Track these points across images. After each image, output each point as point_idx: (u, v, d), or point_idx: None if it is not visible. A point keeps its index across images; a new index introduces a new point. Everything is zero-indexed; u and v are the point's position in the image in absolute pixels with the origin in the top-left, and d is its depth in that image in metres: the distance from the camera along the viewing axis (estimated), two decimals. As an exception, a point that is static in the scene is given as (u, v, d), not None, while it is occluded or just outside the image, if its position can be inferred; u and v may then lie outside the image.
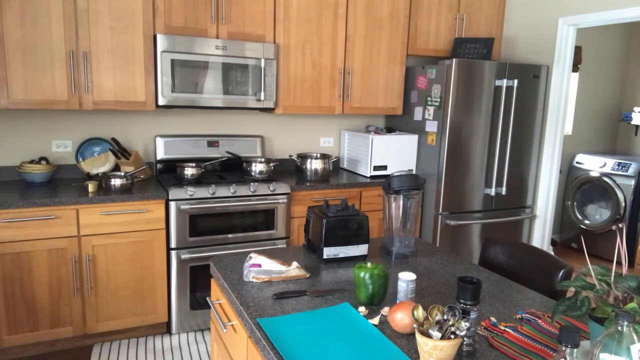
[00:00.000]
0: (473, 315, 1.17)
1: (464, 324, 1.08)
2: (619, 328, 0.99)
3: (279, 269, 1.64)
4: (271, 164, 3.27)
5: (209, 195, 2.91)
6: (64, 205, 2.62)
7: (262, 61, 3.14)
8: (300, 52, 3.34)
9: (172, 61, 2.93)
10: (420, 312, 1.12)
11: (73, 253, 2.69)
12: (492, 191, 3.67)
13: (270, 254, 1.87)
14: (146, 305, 2.92)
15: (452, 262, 1.88)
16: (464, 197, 3.60)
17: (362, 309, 1.41)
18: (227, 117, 3.57)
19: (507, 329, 1.33)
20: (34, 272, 2.63)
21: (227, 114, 3.57)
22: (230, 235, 3.01)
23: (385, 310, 1.40)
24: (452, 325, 1.08)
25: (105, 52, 2.84)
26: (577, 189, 4.93)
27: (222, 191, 2.95)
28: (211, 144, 3.44)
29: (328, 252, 1.79)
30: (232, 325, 1.57)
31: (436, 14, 3.74)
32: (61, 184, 2.98)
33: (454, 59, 3.34)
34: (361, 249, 1.84)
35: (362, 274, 1.44)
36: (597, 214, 4.78)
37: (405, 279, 1.42)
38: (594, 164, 4.82)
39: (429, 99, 3.57)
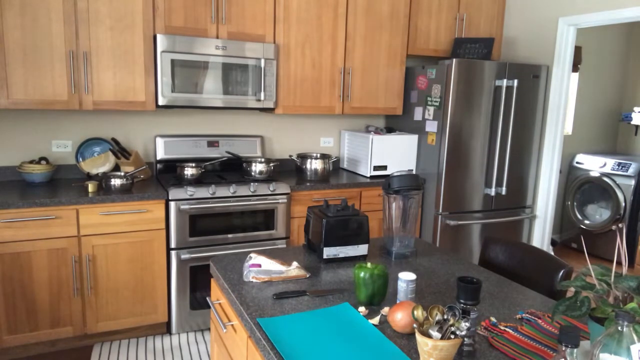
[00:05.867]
0: (473, 315, 1.17)
1: (464, 324, 1.08)
2: (619, 328, 0.99)
3: (279, 269, 1.64)
4: (271, 164, 3.27)
5: (209, 195, 2.91)
6: (64, 205, 2.62)
7: (262, 61, 3.14)
8: (300, 52, 3.34)
9: (172, 61, 2.93)
10: (420, 312, 1.12)
11: (73, 253, 2.69)
12: (492, 191, 3.67)
13: (270, 254, 1.86)
14: (146, 305, 2.92)
15: (452, 262, 1.88)
16: (464, 197, 3.60)
17: (362, 309, 1.41)
18: (227, 117, 3.57)
19: (507, 329, 1.33)
20: (34, 272, 2.63)
21: (227, 114, 3.57)
22: (230, 235, 3.01)
23: (385, 310, 1.40)
24: (452, 325, 1.08)
25: (105, 52, 2.84)
26: (577, 189, 4.93)
27: (222, 191, 2.95)
28: (211, 144, 3.44)
29: (328, 252, 1.79)
30: (232, 325, 1.57)
31: (436, 14, 3.74)
32: (61, 184, 2.98)
33: (454, 59, 3.34)
34: (361, 249, 1.84)
35: (362, 274, 1.44)
36: (597, 214, 4.78)
37: (405, 279, 1.42)
38: (594, 164, 4.81)
39: (429, 99, 3.57)
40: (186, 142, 3.37)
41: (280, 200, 3.09)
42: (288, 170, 3.75)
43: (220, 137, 3.47)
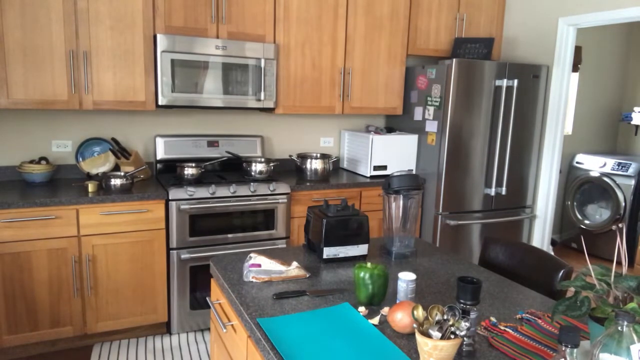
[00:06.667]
0: (473, 315, 1.17)
1: (464, 324, 1.08)
2: (619, 328, 0.99)
3: (279, 269, 1.64)
4: (271, 164, 3.27)
5: (209, 195, 2.91)
6: (64, 205, 2.62)
7: (262, 61, 3.14)
8: (300, 52, 3.34)
9: (172, 61, 2.93)
10: (420, 312, 1.12)
11: (73, 253, 2.69)
12: (492, 191, 3.67)
13: (270, 254, 1.86)
14: (146, 305, 2.92)
15: (452, 262, 1.88)
16: (464, 197, 3.60)
17: (362, 309, 1.41)
18: (227, 117, 3.57)
19: (507, 329, 1.33)
20: (34, 272, 2.63)
21: (227, 114, 3.57)
22: (230, 235, 3.01)
23: (385, 310, 1.40)
24: (452, 325, 1.08)
25: (105, 52, 2.84)
26: (577, 189, 4.93)
27: (222, 191, 2.94)
28: (211, 144, 3.44)
29: (328, 252, 1.79)
30: (232, 325, 1.57)
31: (436, 14, 3.74)
32: (61, 184, 2.98)
33: (454, 59, 3.34)
34: (361, 249, 1.84)
35: (362, 274, 1.44)
36: (597, 214, 4.78)
37: (405, 279, 1.42)
38: (594, 164, 4.81)
39: (429, 99, 3.57)
40: (186, 142, 3.37)
41: (280, 200, 3.09)
42: (288, 170, 3.75)
43: (220, 137, 3.47)
